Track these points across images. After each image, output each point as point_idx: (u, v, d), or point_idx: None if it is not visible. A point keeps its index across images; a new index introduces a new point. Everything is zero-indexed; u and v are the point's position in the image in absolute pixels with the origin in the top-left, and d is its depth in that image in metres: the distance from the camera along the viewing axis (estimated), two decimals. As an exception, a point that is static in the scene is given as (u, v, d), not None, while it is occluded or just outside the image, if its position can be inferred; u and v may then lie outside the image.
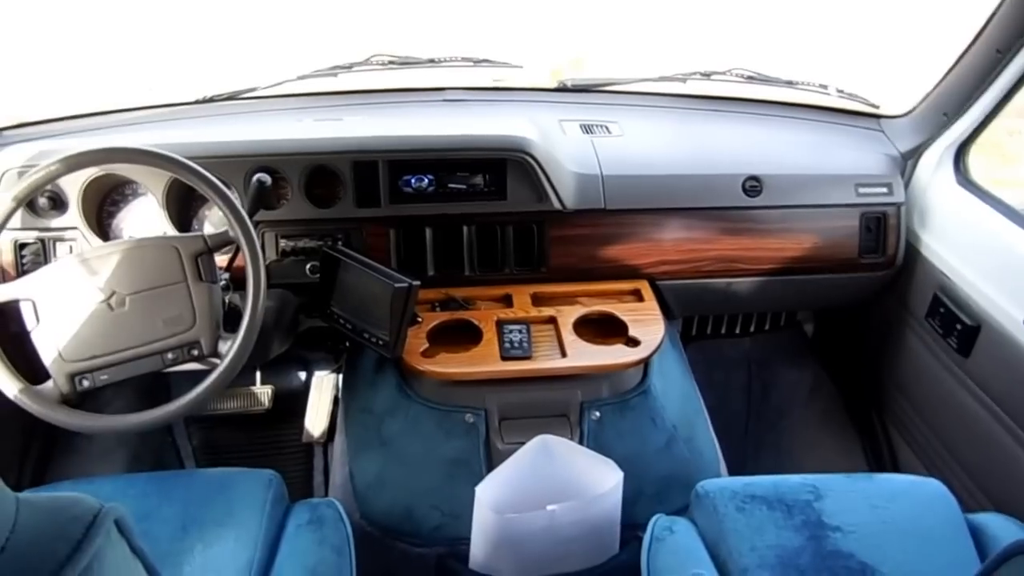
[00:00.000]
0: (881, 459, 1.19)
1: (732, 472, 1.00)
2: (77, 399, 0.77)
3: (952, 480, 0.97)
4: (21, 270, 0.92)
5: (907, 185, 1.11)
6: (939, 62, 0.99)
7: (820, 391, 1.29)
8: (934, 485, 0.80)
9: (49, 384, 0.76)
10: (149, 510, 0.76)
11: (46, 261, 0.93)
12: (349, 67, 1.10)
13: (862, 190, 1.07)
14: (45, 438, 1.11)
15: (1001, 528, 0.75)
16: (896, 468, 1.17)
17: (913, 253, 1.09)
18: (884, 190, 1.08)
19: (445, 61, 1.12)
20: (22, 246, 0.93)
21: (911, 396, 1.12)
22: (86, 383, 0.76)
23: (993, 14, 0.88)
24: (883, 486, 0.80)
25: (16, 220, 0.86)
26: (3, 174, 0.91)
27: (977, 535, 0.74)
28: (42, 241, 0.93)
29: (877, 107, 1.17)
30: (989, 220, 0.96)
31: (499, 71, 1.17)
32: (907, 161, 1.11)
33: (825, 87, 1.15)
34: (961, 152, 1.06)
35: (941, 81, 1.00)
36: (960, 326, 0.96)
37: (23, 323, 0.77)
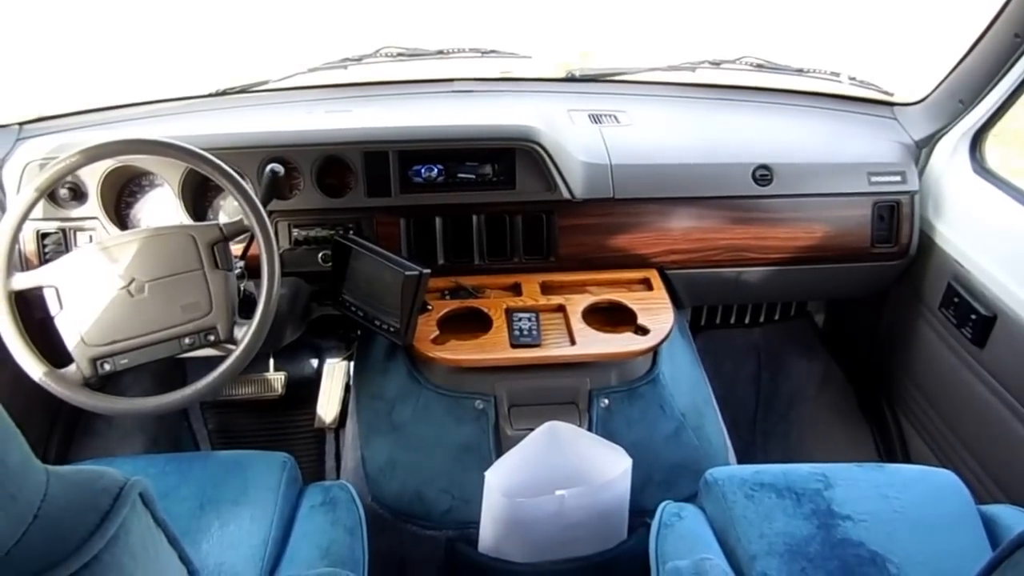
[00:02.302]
0: (892, 449, 1.18)
1: (741, 461, 0.99)
2: (98, 382, 0.79)
3: (965, 471, 0.96)
4: (43, 258, 0.95)
5: (921, 173, 1.09)
6: (954, 47, 0.97)
7: (830, 381, 1.28)
8: (946, 475, 0.79)
9: (72, 368, 0.78)
10: (168, 489, 0.78)
11: (67, 250, 0.95)
12: (359, 59, 1.11)
13: (875, 178, 1.06)
14: (68, 420, 1.14)
15: (1013, 519, 0.74)
16: (908, 459, 1.16)
17: (927, 242, 1.07)
18: (897, 178, 1.06)
19: (454, 53, 1.12)
20: (44, 235, 0.95)
21: (924, 386, 1.11)
22: (107, 367, 0.78)
23: (1011, -2, 0.86)
24: (894, 476, 0.79)
25: (38, 210, 0.88)
26: (25, 166, 0.93)
27: (989, 526, 0.73)
28: (63, 230, 0.95)
29: (890, 94, 1.15)
30: (1006, 209, 0.95)
31: (507, 62, 1.17)
32: (921, 149, 1.09)
33: (837, 74, 1.13)
34: (977, 140, 1.04)
35: (956, 67, 0.99)
36: (975, 316, 0.95)
37: (46, 309, 0.79)
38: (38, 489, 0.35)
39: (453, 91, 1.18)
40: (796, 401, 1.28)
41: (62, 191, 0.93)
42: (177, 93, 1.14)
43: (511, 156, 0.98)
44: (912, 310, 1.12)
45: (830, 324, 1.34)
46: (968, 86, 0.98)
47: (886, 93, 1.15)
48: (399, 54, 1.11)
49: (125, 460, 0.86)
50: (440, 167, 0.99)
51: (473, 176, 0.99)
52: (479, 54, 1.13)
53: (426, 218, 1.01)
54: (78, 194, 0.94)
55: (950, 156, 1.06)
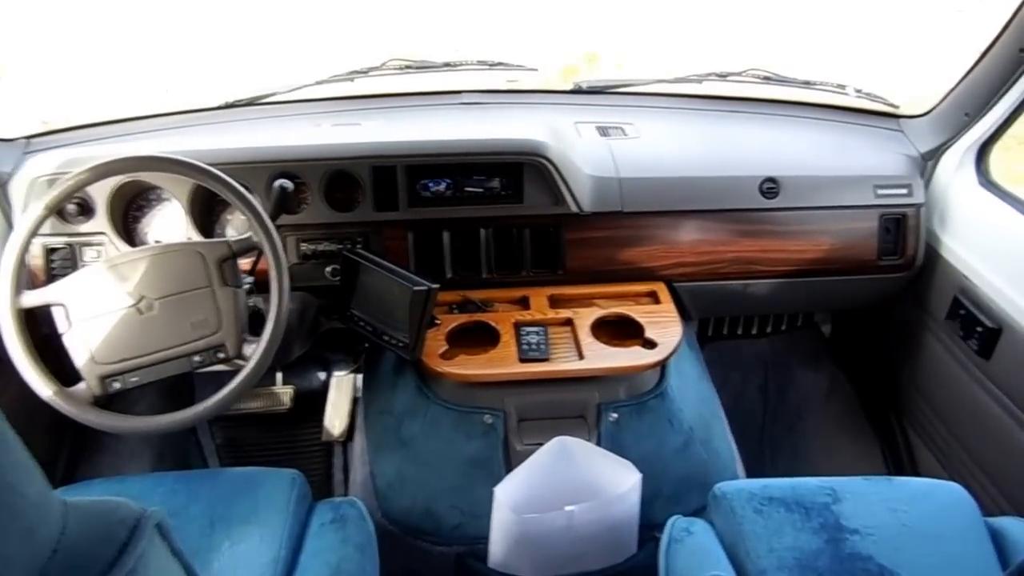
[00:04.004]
0: (899, 462, 1.19)
1: (749, 472, 1.00)
2: (106, 400, 0.79)
3: (972, 484, 0.97)
4: (50, 274, 0.95)
5: (927, 186, 1.09)
6: (959, 61, 0.97)
7: (837, 392, 1.29)
8: (954, 488, 0.79)
9: (82, 386, 0.78)
10: (177, 508, 0.78)
11: (74, 265, 0.95)
12: (366, 72, 1.11)
13: (881, 191, 1.06)
14: (74, 438, 1.14)
15: (1021, 532, 0.74)
16: (915, 471, 1.16)
17: (933, 255, 1.08)
18: (903, 191, 1.07)
19: (460, 65, 1.12)
20: (51, 251, 0.95)
21: (930, 398, 1.11)
22: (117, 385, 0.78)
23: (1016, 13, 0.86)
24: (902, 489, 0.80)
25: (45, 226, 0.88)
26: (33, 182, 0.93)
27: (996, 539, 0.74)
28: (71, 246, 0.95)
29: (896, 107, 1.15)
30: (1011, 221, 0.95)
31: (514, 74, 1.17)
32: (927, 162, 1.10)
33: (843, 87, 1.13)
34: (983, 152, 1.04)
35: (962, 80, 0.99)
36: (981, 328, 0.95)
37: (54, 326, 0.79)
38: (56, 522, 0.35)
39: (460, 103, 1.18)
40: (803, 412, 1.28)
41: (69, 206, 0.92)
42: (184, 106, 1.14)
43: (519, 170, 0.98)
44: (918, 322, 1.12)
45: (837, 335, 1.35)
46: (974, 99, 0.98)
47: (892, 106, 1.15)
48: (406, 66, 1.11)
49: (134, 480, 0.85)
50: (448, 181, 0.99)
51: (481, 190, 1.00)
52: (486, 66, 1.13)
53: (434, 232, 1.01)
54: (85, 209, 0.94)
55: (956, 169, 1.06)
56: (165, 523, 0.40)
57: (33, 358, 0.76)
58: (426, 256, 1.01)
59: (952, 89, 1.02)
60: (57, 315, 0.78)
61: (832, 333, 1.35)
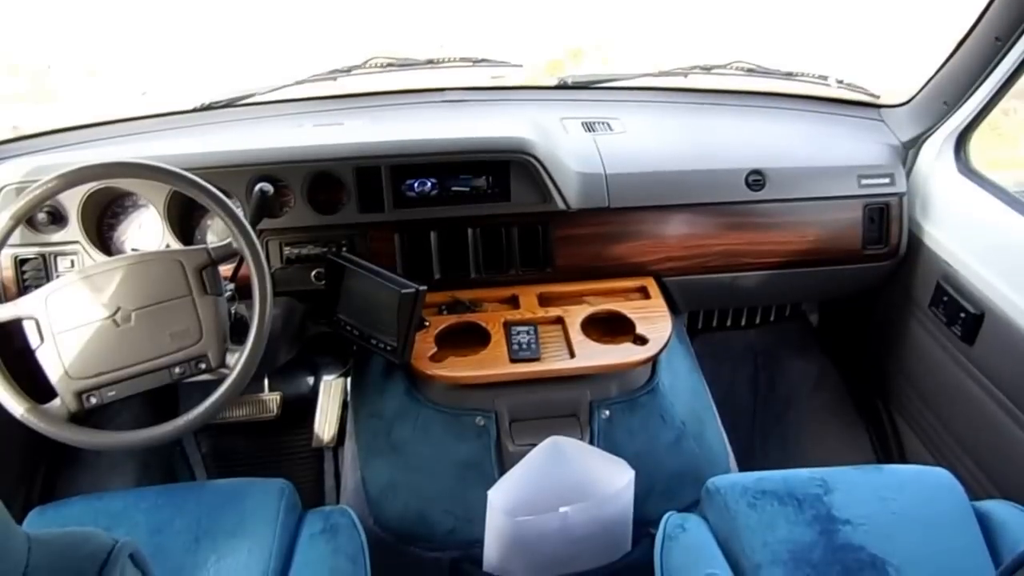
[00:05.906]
0: (888, 448, 1.20)
1: (741, 464, 1.00)
2: (84, 415, 0.77)
3: (959, 468, 0.98)
4: (22, 286, 0.91)
5: (909, 174, 1.10)
6: (938, 49, 0.98)
7: (826, 381, 1.30)
8: (941, 474, 0.80)
9: (56, 402, 0.75)
10: (161, 523, 0.76)
11: (47, 276, 0.92)
12: (347, 70, 1.09)
13: (864, 181, 1.07)
14: (53, 453, 1.11)
15: (1006, 514, 0.76)
16: (903, 457, 1.17)
17: (916, 243, 1.09)
18: (886, 180, 1.08)
19: (444, 62, 1.10)
20: (22, 262, 0.92)
21: (916, 385, 1.13)
22: (94, 400, 0.75)
23: (991, 1, 0.87)
24: (891, 477, 0.81)
25: (16, 236, 0.85)
26: (0, 190, 0.90)
27: (984, 522, 0.75)
28: (43, 256, 0.92)
29: (877, 97, 1.16)
30: (990, 208, 0.96)
31: (499, 70, 1.16)
32: (908, 150, 1.11)
33: (825, 78, 1.14)
34: (962, 140, 1.06)
35: (940, 69, 1.00)
36: (964, 314, 0.96)
37: (26, 340, 0.76)
38: (19, 561, 0.33)
39: (444, 101, 1.17)
40: (793, 401, 1.30)
41: (40, 215, 0.89)
42: (159, 108, 1.11)
43: (505, 168, 0.97)
44: (903, 309, 1.13)
45: (824, 324, 1.36)
46: (952, 88, 0.99)
47: (873, 95, 1.16)
48: (388, 64, 1.09)
49: (115, 496, 0.83)
50: (433, 180, 0.98)
51: (467, 189, 0.98)
52: (470, 63, 1.11)
53: (421, 232, 1.00)
54: (57, 218, 0.91)
55: (936, 157, 1.08)
56: (139, 553, 0.38)
57: (3, 375, 0.73)
58: (413, 257, 1.00)
59: (931, 78, 1.03)
60: (29, 329, 0.76)
61: (820, 322, 1.36)
